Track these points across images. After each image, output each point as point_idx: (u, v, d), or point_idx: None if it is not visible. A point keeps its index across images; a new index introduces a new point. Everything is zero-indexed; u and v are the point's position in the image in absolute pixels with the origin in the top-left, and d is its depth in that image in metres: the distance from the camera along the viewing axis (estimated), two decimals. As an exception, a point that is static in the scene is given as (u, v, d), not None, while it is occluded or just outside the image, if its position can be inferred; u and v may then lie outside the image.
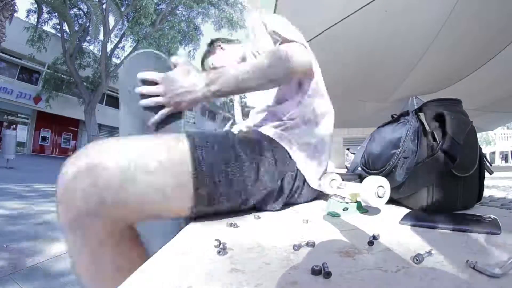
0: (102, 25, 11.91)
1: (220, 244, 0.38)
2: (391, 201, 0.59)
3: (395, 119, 0.81)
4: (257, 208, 0.62)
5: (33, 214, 2.39)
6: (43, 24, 12.38)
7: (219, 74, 0.62)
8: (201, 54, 1.12)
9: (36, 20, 11.98)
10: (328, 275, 0.30)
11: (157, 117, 0.62)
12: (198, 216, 0.55)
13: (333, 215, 0.58)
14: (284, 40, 0.75)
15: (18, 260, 1.38)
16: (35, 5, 11.72)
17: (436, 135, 0.65)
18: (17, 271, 1.27)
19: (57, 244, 1.68)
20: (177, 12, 13.64)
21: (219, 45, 1.07)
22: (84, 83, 12.79)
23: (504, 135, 32.14)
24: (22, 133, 13.75)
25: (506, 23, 2.93)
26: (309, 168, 0.70)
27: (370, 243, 0.39)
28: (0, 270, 1.26)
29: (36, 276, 1.24)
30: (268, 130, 0.69)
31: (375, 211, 0.61)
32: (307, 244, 0.39)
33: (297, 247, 0.38)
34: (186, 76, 0.61)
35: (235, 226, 0.49)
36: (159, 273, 0.32)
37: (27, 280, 1.19)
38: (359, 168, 0.88)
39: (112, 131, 18.64)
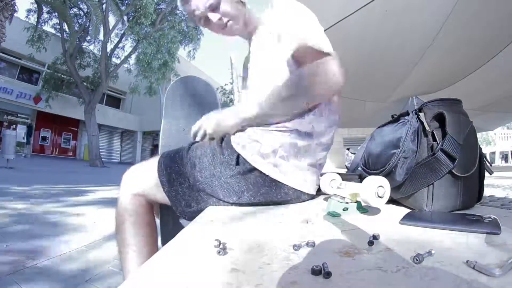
0: (102, 25, 11.91)
1: (220, 244, 0.38)
2: (391, 201, 0.59)
3: (395, 119, 0.81)
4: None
5: (33, 214, 2.40)
6: (43, 24, 12.39)
7: (244, 104, 0.74)
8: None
9: (36, 20, 11.98)
10: (328, 275, 0.30)
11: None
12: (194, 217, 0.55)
13: (333, 215, 0.57)
14: (312, 53, 0.65)
15: (19, 260, 1.38)
16: (35, 5, 11.72)
17: (436, 135, 0.65)
18: (17, 271, 1.27)
19: (57, 244, 1.68)
20: (177, 12, 13.60)
21: None
22: (84, 83, 12.78)
23: (504, 135, 32.13)
24: (22, 133, 13.74)
25: (506, 23, 2.92)
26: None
27: (370, 243, 0.39)
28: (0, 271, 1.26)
29: (36, 276, 1.24)
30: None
31: (375, 211, 0.61)
32: (307, 244, 0.39)
33: (297, 247, 0.38)
34: (219, 113, 0.75)
35: (235, 226, 0.49)
36: (159, 273, 0.32)
37: (27, 280, 1.19)
38: (359, 168, 0.88)
39: (112, 131, 18.61)
